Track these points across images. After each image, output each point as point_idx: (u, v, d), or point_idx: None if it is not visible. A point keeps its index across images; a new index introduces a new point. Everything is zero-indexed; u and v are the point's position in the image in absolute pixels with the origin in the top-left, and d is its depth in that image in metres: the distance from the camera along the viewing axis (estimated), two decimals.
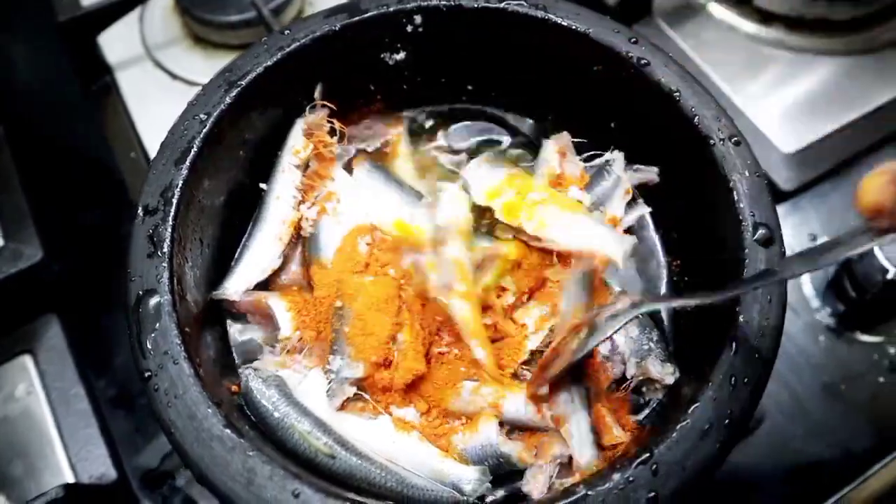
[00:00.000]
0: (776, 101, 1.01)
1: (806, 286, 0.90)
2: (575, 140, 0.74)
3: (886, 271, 0.81)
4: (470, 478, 0.60)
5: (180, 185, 0.60)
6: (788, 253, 0.58)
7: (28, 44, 1.16)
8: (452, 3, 0.69)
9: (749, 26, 1.07)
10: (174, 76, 1.06)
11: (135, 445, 0.83)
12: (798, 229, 0.94)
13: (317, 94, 0.72)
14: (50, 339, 0.86)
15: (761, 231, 0.58)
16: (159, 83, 1.06)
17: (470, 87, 0.78)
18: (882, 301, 0.85)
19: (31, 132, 1.05)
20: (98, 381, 0.87)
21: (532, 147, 0.77)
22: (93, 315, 0.92)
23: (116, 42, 1.09)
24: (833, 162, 0.96)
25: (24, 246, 0.90)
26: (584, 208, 0.68)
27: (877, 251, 0.81)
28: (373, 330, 0.62)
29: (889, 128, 0.98)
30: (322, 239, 0.70)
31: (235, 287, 0.66)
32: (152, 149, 0.98)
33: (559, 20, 0.67)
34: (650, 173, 0.70)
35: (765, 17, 1.06)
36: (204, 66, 1.06)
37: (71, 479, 0.77)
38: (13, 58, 1.14)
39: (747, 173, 0.61)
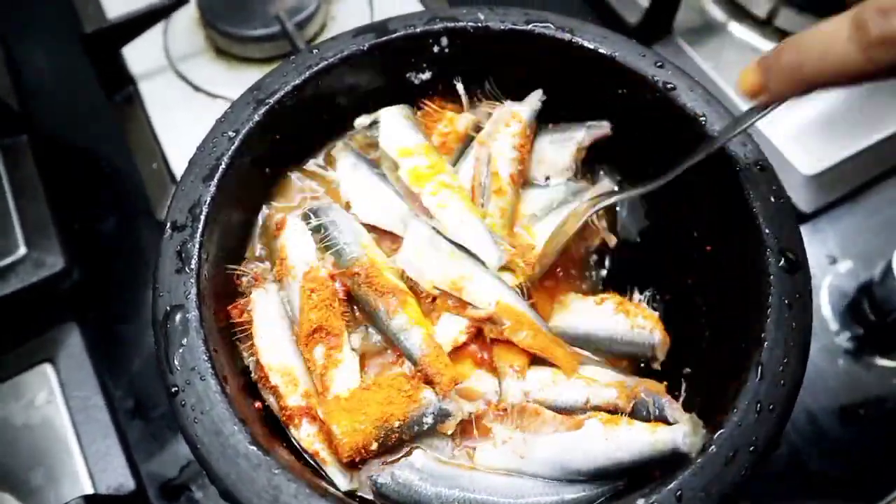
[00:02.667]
0: (796, 122, 1.01)
1: (825, 309, 0.90)
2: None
3: None
4: (685, 433, 0.56)
5: (208, 201, 0.61)
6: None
7: (52, 54, 1.17)
8: (479, 24, 0.69)
9: (770, 47, 1.06)
10: (197, 88, 1.08)
11: (151, 456, 0.84)
12: (817, 251, 0.94)
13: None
14: (70, 348, 0.86)
15: (786, 257, 0.58)
16: (182, 95, 1.07)
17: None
18: None
19: (55, 141, 1.07)
20: (115, 391, 0.87)
21: None
22: (110, 325, 0.93)
23: (140, 53, 1.10)
24: (853, 185, 0.97)
25: (45, 254, 0.91)
26: (480, 213, 0.69)
27: None
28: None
29: None
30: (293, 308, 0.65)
31: None
32: (174, 159, 1.00)
33: (585, 43, 0.68)
34: (603, 128, 0.73)
35: (786, 38, 1.06)
36: (226, 79, 1.08)
37: (89, 489, 0.78)
38: (38, 67, 1.15)
39: (772, 199, 0.61)
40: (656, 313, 0.68)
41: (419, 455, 0.60)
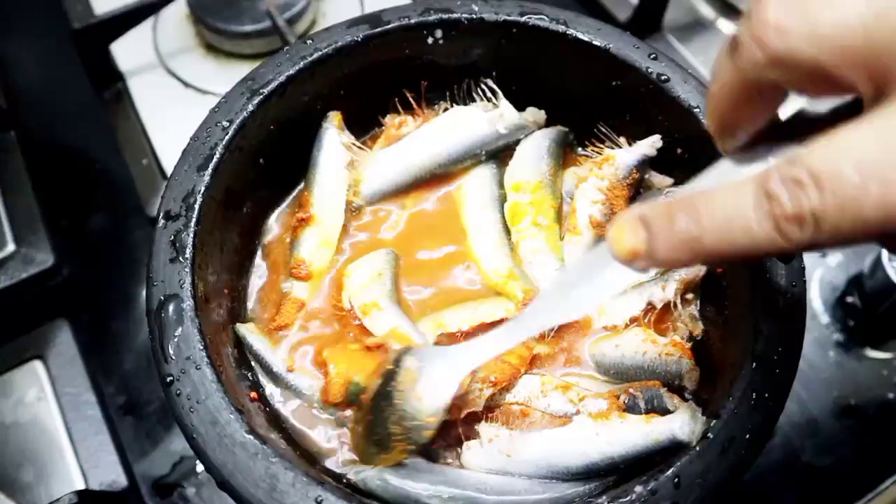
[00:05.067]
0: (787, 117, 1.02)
1: (816, 302, 0.91)
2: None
3: None
4: (683, 421, 0.55)
5: (203, 190, 0.61)
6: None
7: (41, 50, 1.16)
8: (473, 16, 0.69)
9: None
10: (186, 84, 1.07)
11: (143, 453, 0.83)
12: None
13: None
14: (61, 345, 0.85)
15: None
16: (171, 91, 1.07)
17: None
18: (892, 317, 0.86)
19: (43, 138, 1.06)
20: (106, 388, 0.86)
21: None
22: (101, 321, 0.92)
23: (129, 50, 1.09)
24: None
25: (35, 251, 0.90)
26: (562, 255, 0.70)
27: (888, 268, 0.82)
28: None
29: None
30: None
31: None
32: (164, 155, 1.00)
33: (580, 35, 0.68)
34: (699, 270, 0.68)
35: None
36: (216, 75, 1.07)
37: (81, 486, 0.77)
38: (25, 64, 1.14)
39: None
40: (688, 343, 0.65)
41: None
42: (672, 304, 0.67)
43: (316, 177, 0.72)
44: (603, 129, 0.72)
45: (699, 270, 0.68)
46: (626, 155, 0.70)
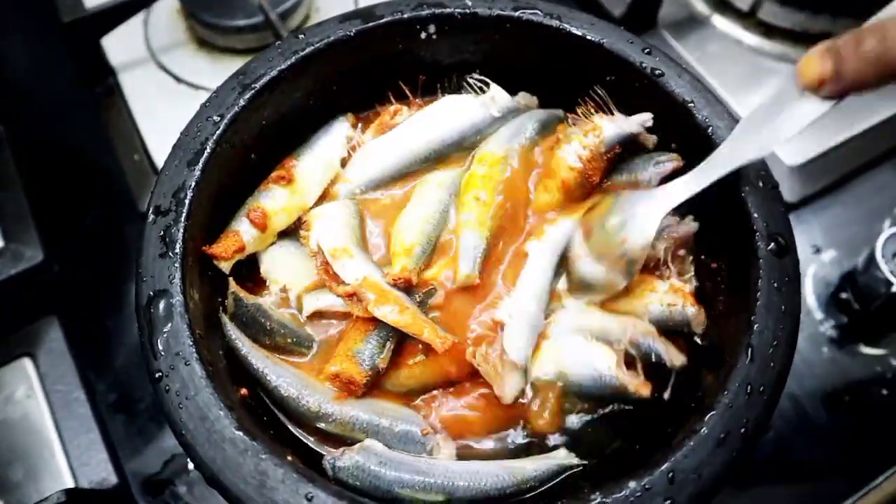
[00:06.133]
0: None
1: (809, 298, 0.91)
2: None
3: (890, 284, 0.82)
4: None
5: (193, 185, 0.60)
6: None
7: (31, 44, 1.15)
8: (467, 11, 0.69)
9: (753, 39, 1.07)
10: (178, 79, 1.06)
11: (135, 450, 0.82)
12: (801, 240, 0.93)
13: None
14: (51, 342, 0.85)
15: (775, 242, 0.59)
16: (163, 86, 1.06)
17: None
18: (885, 314, 0.86)
19: (33, 133, 1.05)
20: (98, 385, 0.86)
21: None
22: (92, 318, 0.91)
23: (120, 44, 1.08)
24: (836, 175, 0.98)
25: (24, 247, 0.89)
26: (486, 234, 0.69)
27: (881, 265, 0.82)
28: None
29: (890, 143, 1.00)
30: None
31: None
32: (156, 151, 0.99)
33: (573, 30, 0.68)
34: (692, 226, 0.68)
35: (768, 31, 1.07)
36: (209, 70, 1.06)
37: (71, 484, 0.76)
38: (16, 58, 1.13)
39: (761, 184, 0.61)
40: (686, 286, 0.66)
41: (374, 442, 0.60)
42: (662, 262, 0.67)
43: (311, 150, 0.72)
44: (599, 93, 0.71)
45: (691, 227, 0.67)
46: (611, 129, 0.69)
